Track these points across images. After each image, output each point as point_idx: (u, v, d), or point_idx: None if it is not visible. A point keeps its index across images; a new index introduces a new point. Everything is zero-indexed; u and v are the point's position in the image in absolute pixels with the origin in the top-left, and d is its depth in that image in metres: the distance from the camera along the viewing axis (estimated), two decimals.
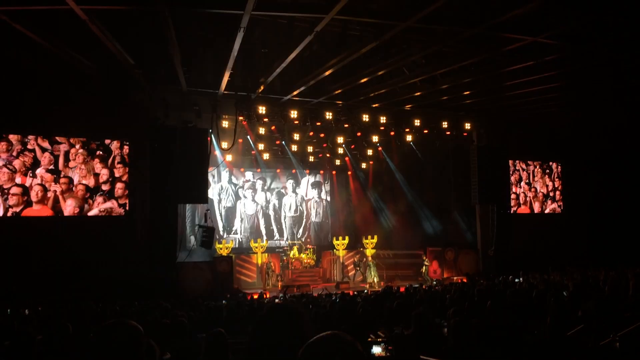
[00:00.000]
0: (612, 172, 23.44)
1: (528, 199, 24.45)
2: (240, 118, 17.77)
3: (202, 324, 8.14)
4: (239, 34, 11.33)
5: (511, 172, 23.77)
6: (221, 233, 23.49)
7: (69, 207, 16.72)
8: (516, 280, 15.72)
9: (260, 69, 15.52)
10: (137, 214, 17.43)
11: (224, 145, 18.82)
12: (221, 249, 21.01)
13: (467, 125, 21.20)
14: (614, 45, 12.75)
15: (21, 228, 15.91)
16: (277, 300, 13.36)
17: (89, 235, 16.55)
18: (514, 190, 23.86)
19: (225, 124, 18.17)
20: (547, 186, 25.04)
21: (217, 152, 20.13)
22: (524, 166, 24.47)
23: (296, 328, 2.13)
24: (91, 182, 17.12)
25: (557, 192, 25.23)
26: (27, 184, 16.21)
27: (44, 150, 16.51)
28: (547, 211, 24.89)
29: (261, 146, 21.72)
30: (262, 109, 17.88)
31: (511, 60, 14.19)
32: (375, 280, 21.58)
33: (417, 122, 20.59)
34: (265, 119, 18.33)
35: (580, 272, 16.28)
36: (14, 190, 16.05)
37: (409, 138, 22.00)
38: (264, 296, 16.00)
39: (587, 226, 23.34)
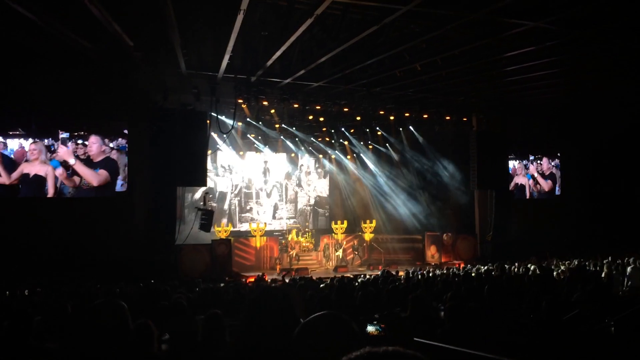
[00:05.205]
0: (610, 159, 23.44)
1: (527, 185, 24.47)
2: (240, 101, 17.67)
3: (200, 306, 8.18)
4: (239, 16, 11.23)
5: (510, 158, 23.75)
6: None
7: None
8: (513, 266, 15.80)
9: (260, 52, 15.42)
10: (136, 196, 17.43)
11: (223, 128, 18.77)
12: (220, 231, 21.05)
13: (467, 111, 21.13)
14: (614, 31, 12.66)
15: (22, 208, 16.00)
16: (273, 285, 13.41)
17: (88, 217, 16.58)
18: (513, 176, 23.86)
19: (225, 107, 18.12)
20: (546, 173, 25.03)
21: (216, 136, 20.08)
22: (523, 152, 24.45)
23: (287, 310, 2.18)
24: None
25: (557, 179, 25.23)
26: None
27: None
28: (545, 197, 24.90)
29: (260, 130, 21.63)
30: (261, 93, 17.78)
31: (512, 46, 14.11)
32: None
33: (417, 107, 20.52)
34: (265, 102, 18.22)
35: (577, 258, 16.36)
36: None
37: (408, 123, 21.95)
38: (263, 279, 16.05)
39: (585, 213, 23.36)
